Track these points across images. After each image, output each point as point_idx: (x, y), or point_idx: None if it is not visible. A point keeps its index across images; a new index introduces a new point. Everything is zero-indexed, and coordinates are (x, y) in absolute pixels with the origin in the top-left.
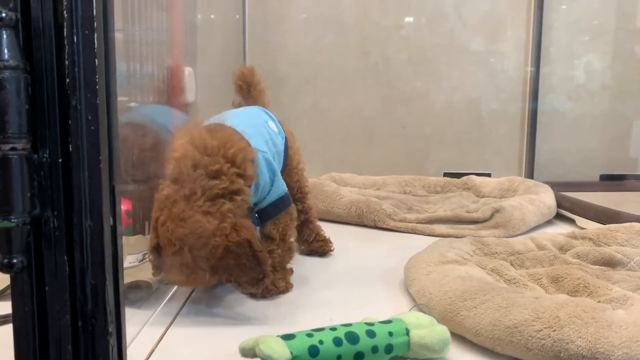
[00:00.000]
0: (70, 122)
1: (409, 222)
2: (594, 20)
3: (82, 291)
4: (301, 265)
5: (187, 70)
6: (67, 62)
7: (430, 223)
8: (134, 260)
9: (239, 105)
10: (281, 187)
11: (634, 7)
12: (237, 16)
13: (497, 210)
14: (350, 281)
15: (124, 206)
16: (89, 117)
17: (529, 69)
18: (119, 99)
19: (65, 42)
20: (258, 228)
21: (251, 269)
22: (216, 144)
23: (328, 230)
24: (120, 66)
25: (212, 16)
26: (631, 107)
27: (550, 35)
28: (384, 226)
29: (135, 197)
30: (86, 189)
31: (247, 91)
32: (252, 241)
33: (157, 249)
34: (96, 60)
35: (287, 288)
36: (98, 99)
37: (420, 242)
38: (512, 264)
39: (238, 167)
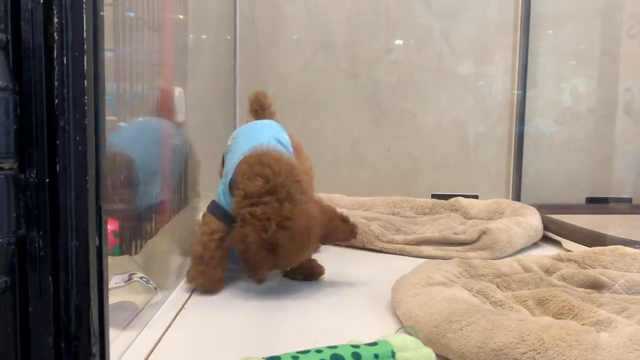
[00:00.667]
0: (58, 142)
1: (397, 244)
2: (579, 45)
3: (66, 312)
4: (287, 285)
5: (178, 91)
6: (56, 83)
7: (418, 244)
8: (120, 281)
9: None
10: None
11: (617, 32)
12: (229, 37)
13: (484, 232)
14: (336, 303)
15: (111, 226)
16: (77, 138)
17: (516, 92)
18: (109, 118)
19: (55, 64)
20: None
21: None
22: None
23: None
24: (110, 86)
25: (203, 37)
26: (616, 130)
27: (536, 59)
28: (372, 247)
29: (122, 217)
30: (72, 209)
31: (261, 113)
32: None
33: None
34: (85, 82)
35: None
36: (87, 120)
37: (408, 264)
38: (498, 286)
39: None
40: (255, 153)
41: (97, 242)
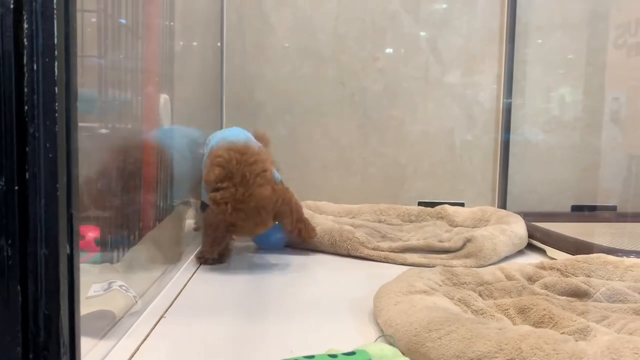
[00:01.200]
0: (27, 149)
1: (382, 251)
2: (565, 54)
3: (34, 322)
4: (268, 292)
5: (163, 97)
6: (26, 90)
7: (402, 252)
8: (99, 289)
9: None
10: None
11: (602, 42)
12: (218, 44)
13: (468, 240)
14: (317, 311)
15: (93, 233)
16: (47, 145)
17: (502, 101)
18: (90, 124)
19: (25, 70)
20: None
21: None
22: (245, 146)
23: (301, 259)
24: (92, 93)
25: (190, 44)
26: (601, 139)
27: (523, 68)
28: (357, 254)
29: (104, 224)
30: (42, 217)
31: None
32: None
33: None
34: (56, 88)
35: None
36: (57, 127)
37: (392, 272)
38: (480, 294)
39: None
40: (215, 146)
41: (67, 251)
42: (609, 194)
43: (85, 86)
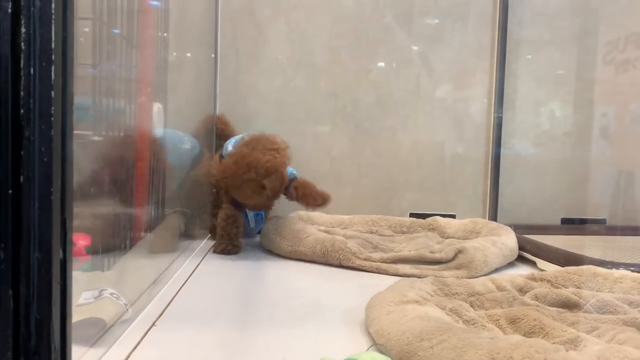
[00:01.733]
0: (22, 153)
1: (374, 262)
2: (555, 70)
3: (26, 326)
4: (259, 300)
5: (157, 106)
6: (22, 94)
7: (394, 263)
8: (90, 297)
9: None
10: None
11: (592, 58)
12: (212, 55)
13: (460, 251)
14: (309, 319)
15: (84, 241)
16: (42, 149)
17: (493, 114)
18: (83, 132)
19: (22, 74)
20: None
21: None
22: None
23: (293, 268)
24: (86, 100)
25: (184, 54)
26: (590, 153)
27: (514, 83)
28: (349, 264)
29: (96, 231)
30: (36, 221)
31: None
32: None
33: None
34: (52, 93)
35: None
36: (53, 131)
37: (385, 282)
38: (472, 305)
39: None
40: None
41: (61, 256)
42: (598, 207)
43: (79, 94)
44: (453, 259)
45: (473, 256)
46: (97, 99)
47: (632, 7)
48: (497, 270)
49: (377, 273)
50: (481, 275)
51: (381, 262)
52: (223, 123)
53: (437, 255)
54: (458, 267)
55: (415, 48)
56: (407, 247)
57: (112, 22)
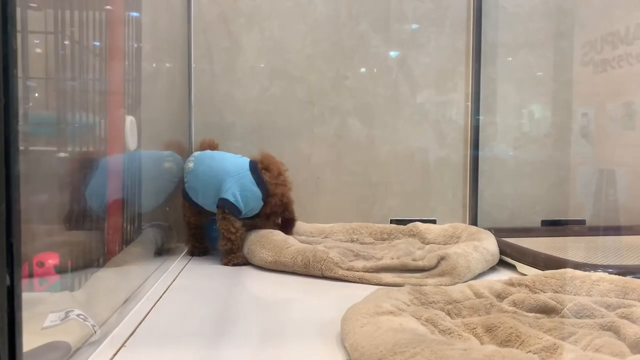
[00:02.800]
0: None
1: (356, 271)
2: (532, 72)
3: None
4: (233, 317)
5: (129, 119)
6: None
7: (377, 272)
8: (56, 319)
9: None
10: None
11: (568, 60)
12: (186, 65)
13: (442, 258)
14: (286, 334)
15: (53, 260)
16: None
17: (470, 118)
18: (48, 149)
19: None
20: None
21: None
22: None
23: (274, 280)
24: (50, 115)
25: (157, 65)
26: (569, 155)
27: (491, 86)
28: (332, 275)
29: (65, 250)
30: None
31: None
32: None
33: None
34: None
35: None
36: None
37: (367, 292)
38: (449, 313)
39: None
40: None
41: (7, 282)
42: (577, 208)
43: (43, 108)
44: (436, 266)
45: (456, 262)
46: (62, 113)
47: (607, 8)
48: (479, 275)
49: (360, 283)
50: (464, 282)
51: (364, 271)
52: (212, 146)
53: (420, 263)
54: (441, 274)
55: (391, 54)
56: (388, 254)
57: (82, 34)
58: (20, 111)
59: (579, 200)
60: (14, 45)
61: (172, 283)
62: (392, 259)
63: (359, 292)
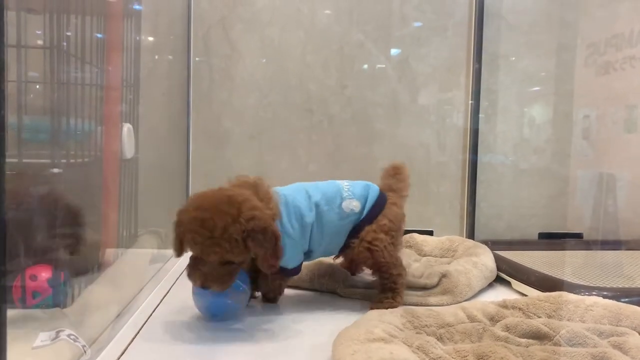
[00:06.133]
0: None
1: (358, 288)
2: (532, 81)
3: None
4: (227, 337)
5: (126, 127)
6: None
7: (369, 288)
8: (46, 339)
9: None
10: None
11: (569, 69)
12: (185, 71)
13: (444, 275)
14: (280, 352)
15: (46, 274)
16: None
17: (469, 128)
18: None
19: None
20: None
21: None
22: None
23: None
24: (44, 122)
25: (157, 72)
26: (567, 167)
27: (491, 96)
28: (334, 291)
29: (58, 263)
30: None
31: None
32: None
33: None
34: None
35: None
36: None
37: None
38: (441, 338)
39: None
40: None
41: None
42: (575, 220)
43: (37, 114)
44: (437, 284)
45: (457, 280)
46: (56, 120)
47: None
48: (479, 292)
49: (362, 300)
50: (466, 300)
51: (365, 288)
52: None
53: (422, 281)
54: (443, 293)
55: (390, 64)
56: None
57: (71, 45)
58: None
59: (577, 212)
60: (3, 57)
61: (166, 295)
62: None
63: (359, 308)
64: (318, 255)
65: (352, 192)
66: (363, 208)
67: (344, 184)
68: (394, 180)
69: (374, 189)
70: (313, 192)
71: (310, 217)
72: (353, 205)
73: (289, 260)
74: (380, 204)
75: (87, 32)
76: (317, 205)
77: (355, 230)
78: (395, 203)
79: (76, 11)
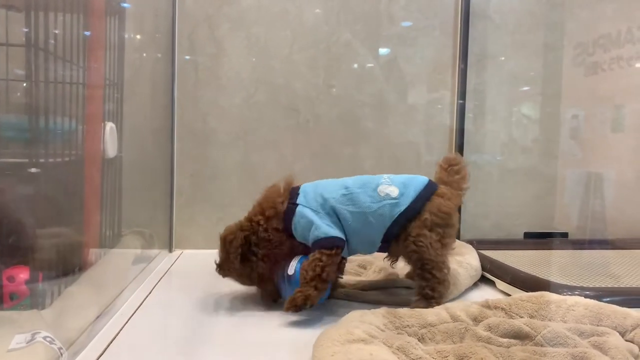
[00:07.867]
0: None
1: (342, 287)
2: (519, 81)
3: None
4: (209, 336)
5: (109, 126)
6: None
7: (363, 289)
8: (22, 341)
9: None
10: (317, 232)
11: (557, 69)
12: (169, 70)
13: None
14: (260, 354)
15: (23, 275)
16: None
17: (455, 127)
18: (18, 161)
19: None
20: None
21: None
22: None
23: (254, 297)
24: (22, 121)
25: (141, 70)
26: (553, 167)
27: (478, 96)
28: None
29: (36, 264)
30: None
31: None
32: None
33: None
34: None
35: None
36: None
37: (347, 310)
38: (423, 338)
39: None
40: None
41: None
42: (562, 219)
43: (15, 113)
44: None
45: None
46: (34, 118)
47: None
48: (465, 291)
49: (347, 300)
50: (452, 299)
51: (351, 288)
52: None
53: (408, 281)
54: None
55: (377, 63)
56: (371, 267)
57: (50, 42)
58: None
59: (564, 211)
60: None
61: (147, 295)
62: (375, 272)
63: (342, 309)
64: (358, 247)
65: (390, 180)
66: (402, 195)
67: (386, 175)
68: (446, 174)
69: (420, 179)
70: (346, 179)
71: (330, 193)
72: (389, 190)
73: (322, 229)
74: (424, 195)
75: (67, 29)
76: (346, 187)
77: (399, 224)
78: (442, 195)
79: (57, 8)
